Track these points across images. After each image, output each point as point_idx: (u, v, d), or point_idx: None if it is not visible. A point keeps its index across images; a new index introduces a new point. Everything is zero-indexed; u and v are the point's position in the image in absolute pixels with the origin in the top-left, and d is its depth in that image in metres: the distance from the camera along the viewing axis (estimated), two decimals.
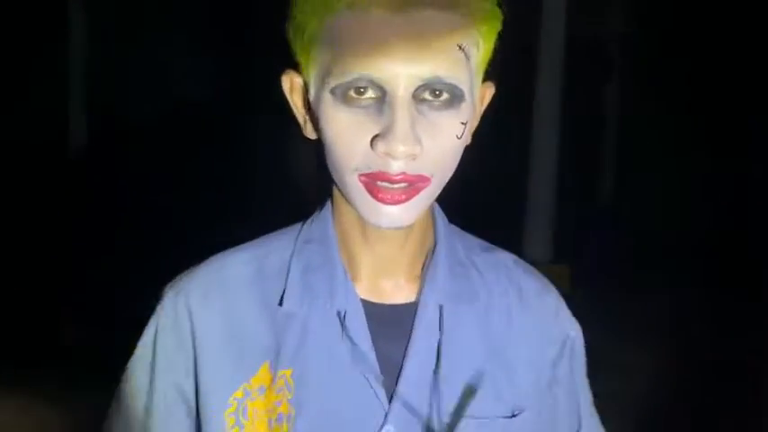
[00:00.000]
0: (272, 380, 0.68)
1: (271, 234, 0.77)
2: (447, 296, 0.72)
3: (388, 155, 0.62)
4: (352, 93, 0.63)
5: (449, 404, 0.69)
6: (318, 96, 0.66)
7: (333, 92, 0.64)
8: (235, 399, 0.68)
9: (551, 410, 0.76)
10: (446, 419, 0.67)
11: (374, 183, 0.63)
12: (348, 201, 0.68)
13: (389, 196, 0.63)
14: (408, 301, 0.72)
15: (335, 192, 0.71)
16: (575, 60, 6.05)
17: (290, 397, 0.67)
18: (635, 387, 3.79)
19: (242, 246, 0.77)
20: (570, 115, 6.03)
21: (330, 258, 0.71)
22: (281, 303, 0.70)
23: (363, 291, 0.71)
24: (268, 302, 0.71)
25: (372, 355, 0.68)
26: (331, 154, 0.65)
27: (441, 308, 0.71)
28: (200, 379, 0.70)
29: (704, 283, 5.93)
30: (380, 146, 0.61)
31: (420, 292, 0.72)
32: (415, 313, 0.70)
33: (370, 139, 0.63)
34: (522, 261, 0.83)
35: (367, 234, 0.70)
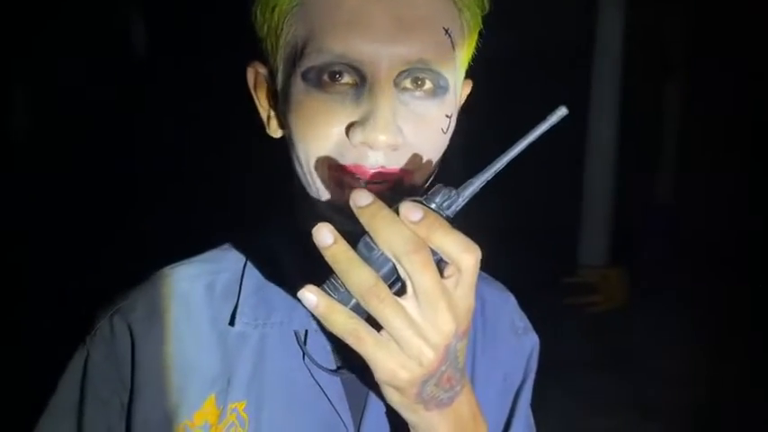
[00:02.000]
0: (220, 415, 0.58)
1: (220, 247, 0.67)
2: None
3: (366, 145, 0.54)
4: (326, 77, 0.56)
5: None
6: (288, 83, 0.59)
7: (305, 76, 0.56)
8: None
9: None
10: None
11: (345, 178, 0.56)
12: (313, 200, 0.59)
13: (360, 191, 0.57)
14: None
15: (296, 195, 0.63)
16: (633, 56, 5.87)
17: None
18: (692, 391, 3.64)
19: (189, 260, 0.67)
20: (628, 113, 5.84)
21: (288, 270, 0.62)
22: (232, 323, 0.61)
23: None
24: (218, 323, 0.61)
25: (337, 381, 0.60)
26: (299, 145, 0.57)
27: None
28: (135, 415, 0.59)
29: (763, 285, 5.64)
30: (358, 135, 0.54)
31: None
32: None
33: (345, 127, 0.55)
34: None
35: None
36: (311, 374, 0.60)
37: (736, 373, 3.90)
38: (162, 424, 0.58)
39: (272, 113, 0.65)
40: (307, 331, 0.61)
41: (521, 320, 0.73)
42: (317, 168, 0.57)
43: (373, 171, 0.54)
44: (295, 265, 0.62)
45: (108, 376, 0.62)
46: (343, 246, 0.47)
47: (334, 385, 0.60)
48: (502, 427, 0.72)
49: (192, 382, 0.59)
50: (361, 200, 0.46)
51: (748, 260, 6.48)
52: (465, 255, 0.44)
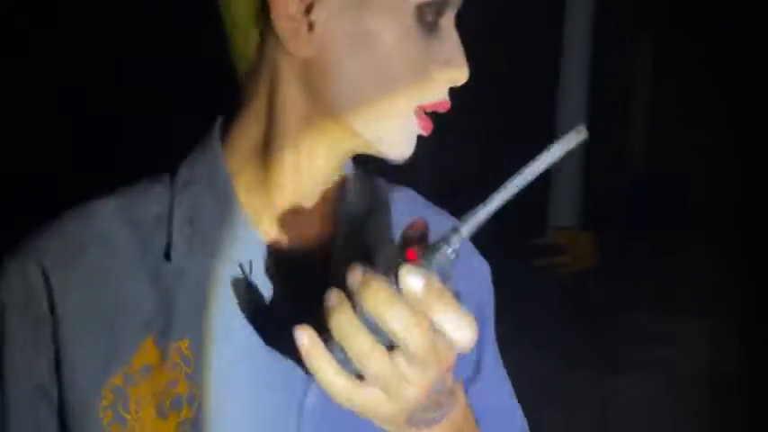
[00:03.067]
0: (162, 356, 0.55)
1: (143, 180, 0.63)
2: (373, 228, 0.64)
3: (454, 82, 0.56)
4: (434, 14, 0.54)
5: None
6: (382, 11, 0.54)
7: (422, 11, 0.54)
8: (112, 388, 0.55)
9: None
10: None
11: (424, 112, 0.57)
12: (349, 130, 0.56)
13: (427, 125, 0.58)
14: (322, 241, 0.63)
15: (238, 123, 0.59)
16: (605, 19, 5.88)
17: (189, 372, 0.55)
18: (665, 351, 3.80)
19: (104, 196, 0.62)
20: (599, 74, 5.88)
21: (224, 200, 0.59)
22: (167, 257, 0.57)
23: (267, 234, 0.60)
24: (148, 261, 0.58)
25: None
26: (375, 74, 0.54)
27: (360, 246, 0.62)
28: (64, 368, 0.55)
29: (733, 248, 5.83)
30: (448, 73, 0.55)
31: (335, 230, 0.63)
32: (331, 254, 0.61)
33: (428, 63, 0.55)
34: (421, 197, 0.72)
35: (298, 168, 0.58)
36: (264, 307, 0.58)
37: (703, 330, 4.07)
38: (96, 378, 0.55)
39: (308, 26, 0.56)
40: (251, 262, 0.58)
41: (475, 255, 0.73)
42: (400, 103, 0.55)
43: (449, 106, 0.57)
44: (232, 194, 0.59)
45: (27, 329, 0.56)
46: (349, 312, 0.45)
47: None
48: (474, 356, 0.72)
49: (126, 327, 0.56)
50: (356, 276, 0.45)
51: (718, 222, 6.70)
52: (459, 332, 0.44)
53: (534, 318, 4.53)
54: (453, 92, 0.58)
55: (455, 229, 0.46)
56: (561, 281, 5.31)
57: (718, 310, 4.33)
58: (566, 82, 5.82)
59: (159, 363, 0.55)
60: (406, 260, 0.43)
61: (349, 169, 0.67)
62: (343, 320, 0.45)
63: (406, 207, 0.70)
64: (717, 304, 4.50)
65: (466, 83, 0.58)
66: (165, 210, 0.60)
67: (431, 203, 0.75)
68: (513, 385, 4.09)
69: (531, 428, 3.43)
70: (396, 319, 0.43)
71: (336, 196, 0.65)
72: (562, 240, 5.67)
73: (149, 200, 0.61)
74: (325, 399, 0.56)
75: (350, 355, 0.45)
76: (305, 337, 0.47)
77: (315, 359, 0.47)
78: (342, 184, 0.66)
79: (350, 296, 0.46)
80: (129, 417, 0.54)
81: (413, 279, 0.43)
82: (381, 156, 0.59)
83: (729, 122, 7.57)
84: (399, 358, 0.45)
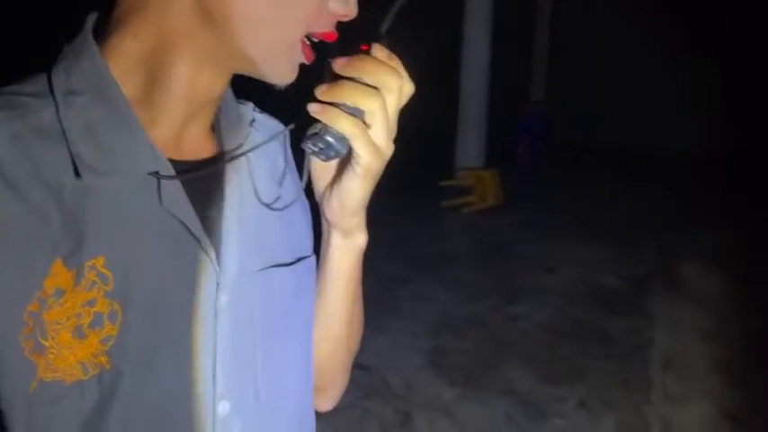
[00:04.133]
0: (76, 277, 0.53)
1: (17, 85, 0.57)
2: (249, 145, 0.66)
3: (344, 16, 0.59)
4: None
5: (274, 249, 0.66)
6: None
7: None
8: (29, 315, 0.52)
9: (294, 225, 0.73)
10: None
11: (310, 41, 0.59)
12: (244, 57, 0.57)
13: (310, 54, 0.60)
14: (210, 154, 0.64)
15: (120, 30, 0.57)
16: None
17: (108, 290, 0.54)
18: (558, 276, 4.10)
19: None
20: (501, 18, 5.99)
21: (118, 112, 0.56)
22: (77, 173, 0.54)
23: (161, 145, 0.58)
24: (42, 178, 0.53)
25: (197, 220, 0.59)
26: (271, 3, 0.56)
27: (247, 157, 0.65)
28: None
29: (626, 182, 6.29)
30: (340, 6, 0.58)
31: (222, 144, 0.65)
32: (223, 166, 0.63)
33: None
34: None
35: (185, 82, 0.58)
36: (169, 218, 0.58)
37: (597, 259, 4.39)
38: (14, 307, 0.52)
39: None
40: (157, 172, 0.57)
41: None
42: (290, 31, 0.58)
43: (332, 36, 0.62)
44: (126, 107, 0.57)
45: None
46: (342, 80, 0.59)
47: (195, 224, 0.59)
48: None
49: (34, 251, 0.52)
50: (342, 60, 0.59)
51: (618, 160, 7.15)
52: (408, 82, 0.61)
53: (443, 255, 4.75)
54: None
55: (382, 24, 0.62)
56: (469, 219, 5.56)
57: (603, 240, 4.71)
58: (468, 30, 5.94)
59: (72, 284, 0.53)
60: (363, 51, 0.59)
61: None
62: (341, 84, 0.59)
63: (274, 123, 0.74)
64: (602, 235, 4.89)
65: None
66: (48, 122, 0.55)
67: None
68: (425, 317, 4.26)
69: (439, 358, 3.60)
70: (380, 69, 0.59)
71: (219, 111, 0.66)
72: (469, 181, 5.91)
73: (25, 112, 0.55)
74: (233, 299, 0.61)
75: (353, 100, 0.58)
76: (313, 105, 0.58)
77: (328, 111, 0.58)
78: (220, 98, 0.66)
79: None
80: (47, 343, 0.52)
81: (382, 51, 0.59)
82: (264, 79, 0.60)
83: (630, 64, 7.98)
84: (382, 97, 0.59)
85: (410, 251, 4.57)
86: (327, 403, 0.82)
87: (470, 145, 5.98)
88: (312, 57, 0.60)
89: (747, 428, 2.58)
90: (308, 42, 0.59)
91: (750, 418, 2.64)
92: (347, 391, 2.99)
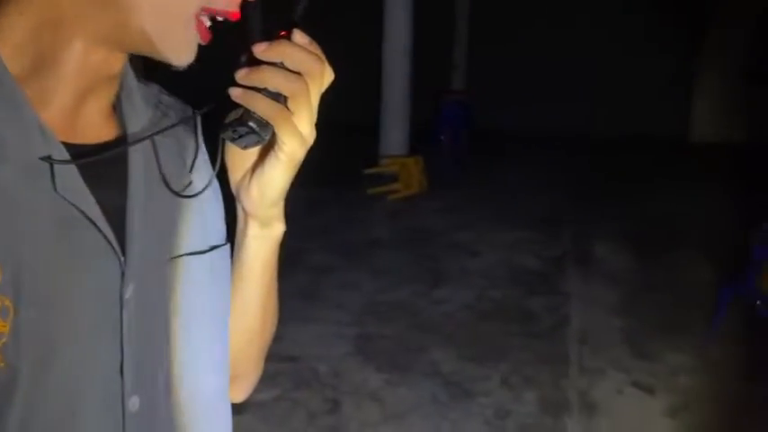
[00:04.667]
0: None
1: None
2: (152, 126, 0.62)
3: None
4: None
5: (186, 237, 0.63)
6: None
7: None
8: None
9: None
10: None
11: (206, 19, 0.57)
12: (138, 34, 0.55)
13: (206, 34, 0.58)
14: (111, 137, 0.60)
15: (6, 7, 0.54)
16: None
17: None
18: (480, 259, 4.21)
19: None
20: (422, 9, 6.05)
21: (5, 93, 0.53)
22: None
23: (54, 128, 0.55)
24: None
25: (95, 205, 0.56)
26: None
27: (153, 141, 0.62)
28: None
29: (544, 168, 6.54)
30: None
31: (124, 126, 0.61)
32: (125, 150, 0.59)
33: None
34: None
35: (79, 60, 0.55)
36: (65, 206, 0.54)
37: (517, 242, 4.54)
38: None
39: None
40: (50, 156, 0.53)
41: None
42: (188, 5, 0.55)
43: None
44: (16, 88, 0.53)
45: None
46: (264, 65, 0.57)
47: (95, 211, 0.56)
48: None
49: None
50: (263, 45, 0.57)
51: (537, 146, 7.41)
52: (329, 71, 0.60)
53: (368, 242, 4.77)
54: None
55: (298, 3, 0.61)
56: (394, 207, 5.61)
57: (522, 224, 4.89)
58: (390, 23, 5.98)
59: None
60: (283, 36, 0.58)
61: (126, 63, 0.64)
62: (263, 68, 0.57)
63: (182, 106, 0.71)
64: (522, 219, 5.07)
65: None
66: None
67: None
68: (351, 305, 4.26)
69: (365, 345, 3.61)
70: (302, 54, 0.58)
71: (116, 90, 0.62)
72: (393, 169, 5.96)
73: None
74: (140, 289, 0.58)
75: (275, 84, 0.57)
76: (235, 90, 0.57)
77: (250, 96, 0.57)
78: (119, 78, 0.62)
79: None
80: None
81: (303, 37, 0.59)
82: (161, 58, 0.57)
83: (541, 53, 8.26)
84: (305, 82, 0.58)
85: (335, 240, 4.56)
86: (240, 394, 0.80)
87: (394, 133, 6.03)
88: (209, 36, 0.57)
89: (656, 396, 2.74)
90: (207, 21, 0.57)
91: (658, 386, 2.82)
92: (275, 383, 2.98)
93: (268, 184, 0.63)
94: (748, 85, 7.77)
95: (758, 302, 2.83)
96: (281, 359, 2.96)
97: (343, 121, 7.91)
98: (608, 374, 2.90)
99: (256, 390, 2.84)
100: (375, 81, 6.15)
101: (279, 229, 0.69)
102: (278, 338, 3.06)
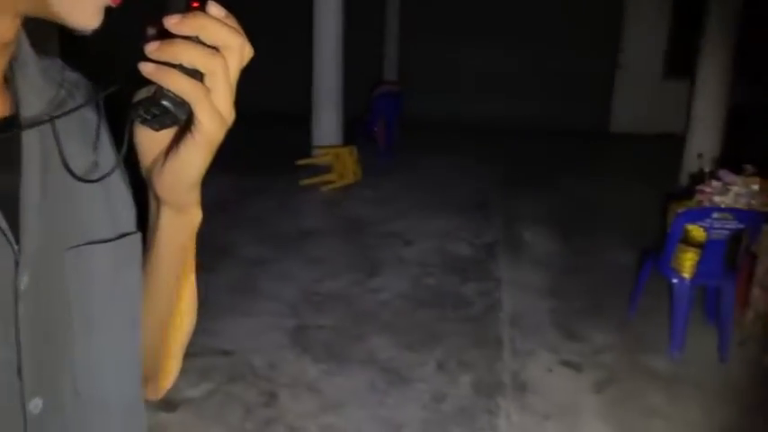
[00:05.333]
0: None
1: None
2: (50, 105, 0.58)
3: None
4: None
5: (91, 223, 0.59)
6: None
7: None
8: None
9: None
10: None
11: None
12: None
13: None
14: (1, 114, 0.56)
15: None
16: None
17: None
18: (414, 250, 4.26)
19: None
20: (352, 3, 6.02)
21: None
22: None
23: None
24: None
25: None
26: None
27: (50, 117, 0.57)
28: None
29: (474, 156, 6.67)
30: None
31: (18, 103, 0.57)
32: (18, 129, 0.55)
33: None
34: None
35: None
36: None
37: (450, 229, 4.61)
38: None
39: None
40: None
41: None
42: None
43: None
44: None
45: None
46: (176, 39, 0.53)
47: None
48: None
49: None
50: (174, 17, 0.53)
51: (467, 135, 7.55)
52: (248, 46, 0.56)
53: (303, 234, 4.73)
54: None
55: None
56: (328, 197, 5.59)
57: (455, 212, 4.99)
58: (320, 15, 5.91)
59: None
60: (195, 8, 0.54)
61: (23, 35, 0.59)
62: (177, 41, 0.52)
63: (84, 82, 0.65)
64: (454, 207, 5.17)
65: None
66: None
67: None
68: (287, 297, 4.19)
69: (302, 336, 3.57)
70: (219, 28, 0.54)
71: (15, 63, 0.57)
72: (327, 159, 5.93)
73: None
74: (37, 281, 0.54)
75: (191, 60, 0.52)
76: (147, 65, 0.52)
77: (166, 72, 0.52)
78: (11, 48, 0.55)
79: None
80: None
81: (219, 9, 0.55)
82: (64, 23, 0.52)
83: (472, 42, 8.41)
84: (223, 57, 0.54)
85: (268, 231, 4.50)
86: (156, 392, 0.75)
87: (327, 123, 5.99)
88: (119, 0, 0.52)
89: (583, 373, 2.87)
90: None
91: (585, 364, 2.95)
92: (208, 378, 2.89)
93: (183, 168, 0.57)
94: (665, 79, 8.23)
95: (674, 281, 3.01)
96: (214, 354, 2.90)
97: (275, 110, 7.80)
98: (538, 355, 3.01)
99: (188, 385, 2.79)
100: (307, 71, 6.09)
101: (195, 215, 0.63)
102: (211, 333, 3.03)
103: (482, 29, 8.35)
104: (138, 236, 0.65)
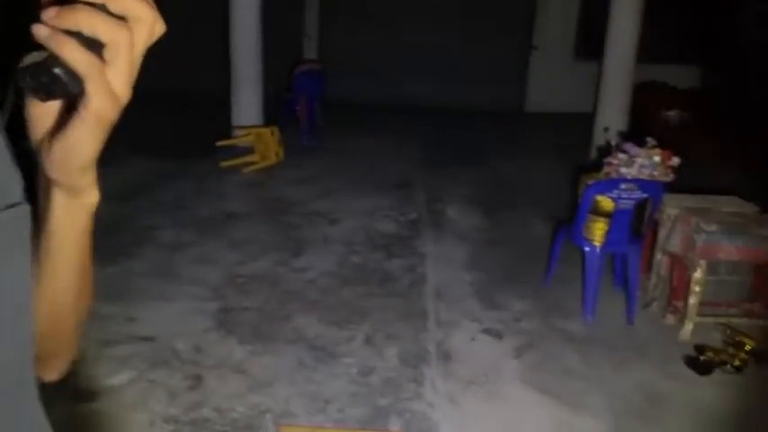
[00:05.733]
0: None
1: None
2: None
3: None
4: None
5: None
6: None
7: None
8: None
9: None
10: None
11: None
12: None
13: None
14: None
15: None
16: None
17: None
18: (340, 228, 4.27)
19: None
20: None
21: None
22: None
23: None
24: None
25: None
26: None
27: None
28: None
29: (396, 135, 6.73)
30: None
31: None
32: None
33: None
34: None
35: None
36: None
37: (375, 207, 4.63)
38: None
39: None
40: None
41: None
42: None
43: None
44: None
45: None
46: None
47: None
48: None
49: None
50: (53, 9, 0.48)
51: (385, 115, 7.58)
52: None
53: (226, 216, 4.62)
54: None
55: None
56: (250, 179, 5.48)
57: (379, 190, 5.03)
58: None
59: None
60: None
61: None
62: (79, 7, 0.49)
63: None
64: (379, 185, 5.21)
65: None
66: None
67: None
68: (210, 280, 4.05)
69: (227, 318, 3.48)
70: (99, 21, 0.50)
71: None
72: (248, 140, 5.80)
73: None
74: None
75: (93, 28, 0.49)
76: (40, 28, 0.48)
77: (60, 39, 0.48)
78: None
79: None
80: None
81: None
82: None
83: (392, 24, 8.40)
84: (130, 30, 0.51)
85: (188, 215, 4.37)
86: (52, 373, 0.71)
87: (247, 103, 5.85)
88: None
89: (504, 340, 3.00)
90: None
91: (506, 331, 3.07)
92: (129, 366, 2.79)
93: (72, 148, 0.53)
94: (576, 60, 8.58)
95: (586, 249, 3.18)
96: (135, 340, 2.80)
97: (194, 90, 7.53)
98: (462, 325, 3.11)
99: (109, 374, 2.69)
100: (226, 49, 5.91)
101: (91, 197, 0.59)
102: (132, 320, 2.93)
103: (403, 10, 8.38)
104: (26, 209, 0.59)
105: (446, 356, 2.83)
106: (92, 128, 0.52)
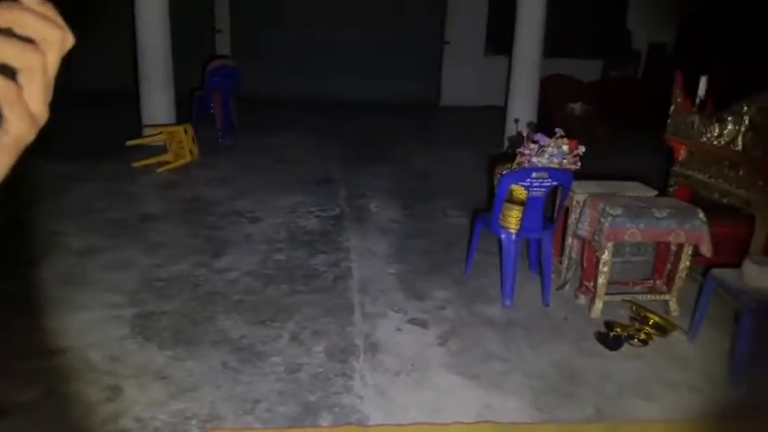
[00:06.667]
0: None
1: None
2: None
3: None
4: None
5: None
6: None
7: None
8: None
9: None
10: None
11: None
12: None
13: None
14: None
15: None
16: None
17: None
18: (261, 227, 4.20)
19: None
20: None
21: None
22: None
23: None
24: None
25: None
26: None
27: None
28: None
29: (299, 132, 6.69)
30: None
31: None
32: None
33: None
34: None
35: None
36: None
37: (297, 204, 4.59)
38: None
39: None
40: None
41: None
42: None
43: None
44: None
45: None
46: None
47: None
48: None
49: None
50: None
51: (307, 110, 7.52)
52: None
53: (140, 218, 4.43)
54: None
55: None
56: (164, 179, 5.28)
57: (301, 187, 5.00)
58: None
59: None
60: None
61: None
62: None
63: None
64: (299, 182, 5.18)
65: None
66: None
67: None
68: (125, 285, 3.91)
69: (145, 324, 3.36)
70: (36, 19, 0.50)
71: None
72: (160, 138, 5.58)
73: None
74: None
75: (5, 56, 0.48)
76: None
77: None
78: None
79: None
80: None
81: None
82: None
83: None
84: (42, 52, 0.50)
85: (98, 219, 4.16)
86: None
87: (157, 101, 5.64)
88: None
89: (429, 329, 3.06)
90: None
91: (430, 320, 3.14)
92: (40, 381, 2.64)
93: None
94: (487, 56, 8.85)
95: (502, 236, 3.30)
96: (45, 354, 2.64)
97: (101, 89, 7.15)
98: (388, 316, 3.15)
99: (17, 390, 2.54)
100: (133, 46, 5.66)
101: None
102: (40, 331, 2.78)
103: (317, 3, 8.33)
104: None
105: (373, 348, 2.86)
106: (8, 152, 0.52)
